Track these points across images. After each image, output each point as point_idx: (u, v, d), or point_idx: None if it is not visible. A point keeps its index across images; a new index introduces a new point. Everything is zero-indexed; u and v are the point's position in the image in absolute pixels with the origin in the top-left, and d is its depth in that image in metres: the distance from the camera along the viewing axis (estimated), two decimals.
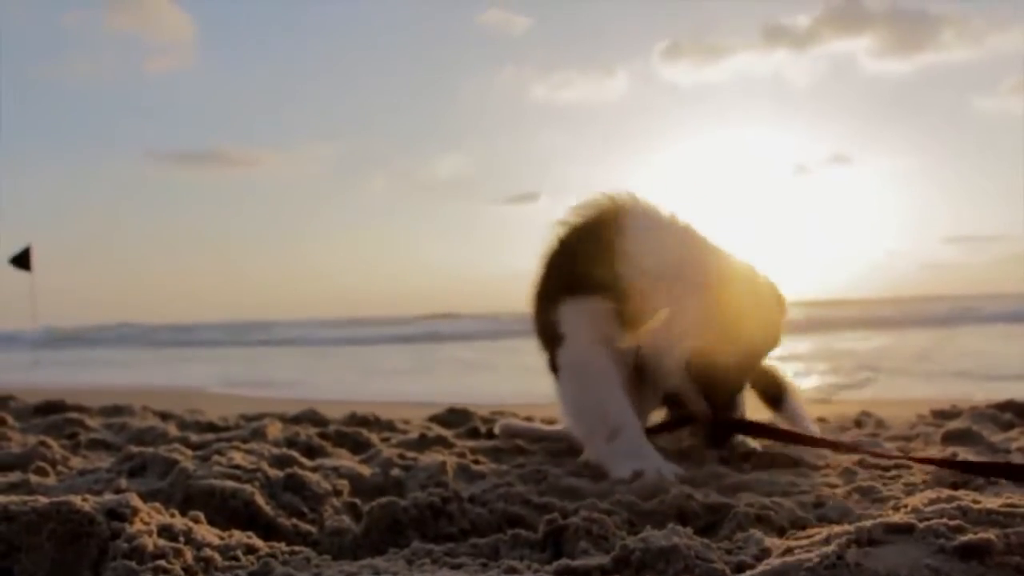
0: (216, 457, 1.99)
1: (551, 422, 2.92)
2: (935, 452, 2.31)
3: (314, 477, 1.89)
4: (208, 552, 1.34)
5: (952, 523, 1.22)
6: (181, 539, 1.35)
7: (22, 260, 11.79)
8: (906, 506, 1.50)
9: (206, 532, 1.44)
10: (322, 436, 2.61)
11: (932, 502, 1.42)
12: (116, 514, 1.35)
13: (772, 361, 2.46)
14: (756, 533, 1.40)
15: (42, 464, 2.16)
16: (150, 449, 2.13)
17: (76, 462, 2.35)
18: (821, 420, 3.34)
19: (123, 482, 1.91)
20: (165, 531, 1.36)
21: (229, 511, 1.69)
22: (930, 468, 2.02)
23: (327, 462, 2.17)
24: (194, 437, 2.73)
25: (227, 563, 1.34)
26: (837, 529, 1.29)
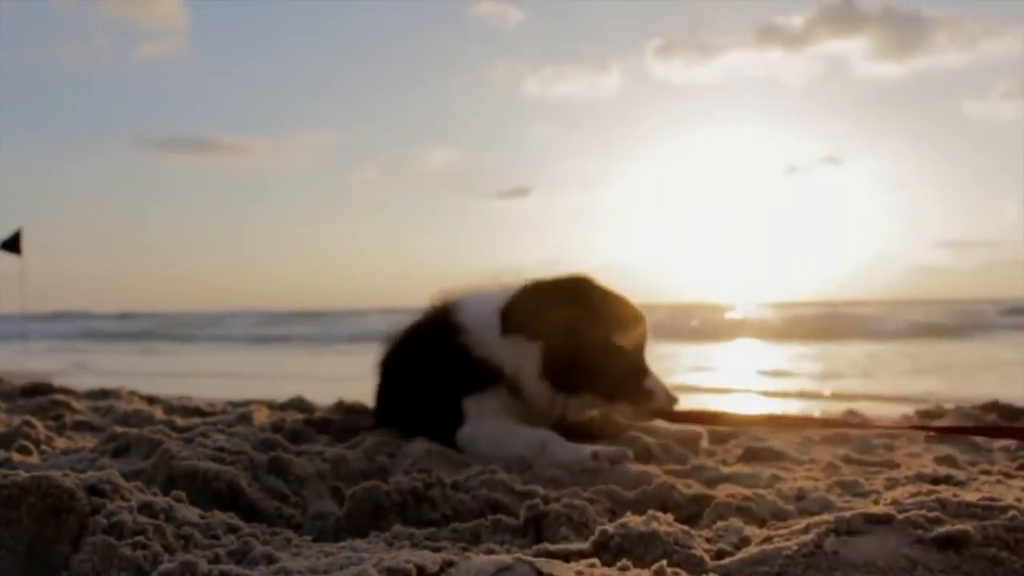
0: (200, 439, 1.98)
1: None
2: (919, 450, 2.32)
3: (298, 461, 1.89)
4: (188, 530, 1.34)
5: (931, 515, 1.23)
6: (161, 517, 1.35)
7: (12, 244, 11.73)
8: (886, 499, 1.51)
9: (187, 511, 1.43)
10: (308, 423, 2.61)
11: (912, 495, 1.43)
12: (97, 490, 1.35)
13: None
14: (736, 522, 1.40)
15: (25, 443, 2.15)
16: (134, 430, 2.13)
17: (60, 442, 2.34)
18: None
19: (106, 462, 1.90)
20: (146, 508, 1.35)
21: (212, 492, 1.69)
22: (913, 464, 2.03)
23: (312, 447, 2.16)
24: (180, 421, 2.72)
25: (207, 541, 1.34)
26: (816, 519, 1.29)
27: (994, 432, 2.00)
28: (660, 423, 2.42)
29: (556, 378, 2.27)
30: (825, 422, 2.35)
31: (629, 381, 2.33)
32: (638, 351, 2.38)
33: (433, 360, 2.44)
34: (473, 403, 2.32)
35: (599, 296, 2.35)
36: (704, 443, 2.39)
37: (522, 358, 2.30)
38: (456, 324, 2.40)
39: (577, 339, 2.27)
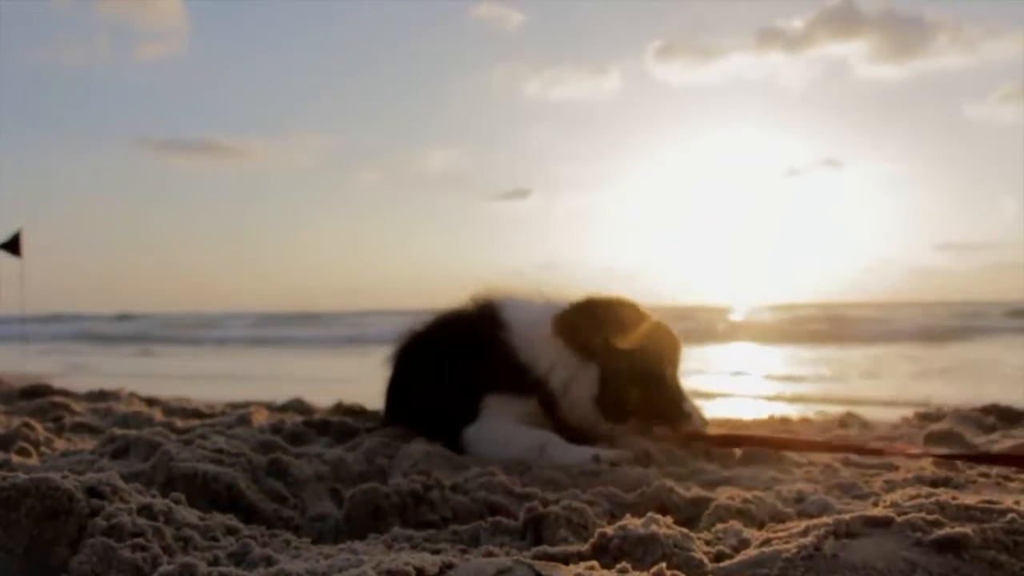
0: (199, 441, 1.98)
1: None
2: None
3: (297, 463, 1.89)
4: (188, 532, 1.34)
5: (930, 517, 1.22)
6: (161, 519, 1.35)
7: (12, 245, 11.71)
8: (886, 501, 1.50)
9: (186, 513, 1.43)
10: (307, 424, 2.61)
11: (911, 498, 1.43)
12: (96, 492, 1.35)
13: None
14: (736, 525, 1.40)
15: (25, 445, 2.15)
16: (133, 432, 2.13)
17: (60, 444, 2.34)
18: (806, 422, 3.35)
19: (106, 463, 1.90)
20: (145, 510, 1.35)
21: (211, 494, 1.69)
22: (912, 467, 2.03)
23: (311, 449, 2.16)
24: (179, 422, 2.72)
25: (207, 543, 1.34)
26: (815, 521, 1.29)
27: (993, 460, 2.00)
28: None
29: (610, 406, 2.28)
30: (857, 448, 2.34)
31: (672, 406, 2.37)
32: (676, 375, 2.42)
33: (465, 351, 2.39)
34: (495, 402, 2.29)
35: (650, 323, 2.36)
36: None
37: (574, 378, 2.29)
38: (500, 321, 2.36)
39: (636, 370, 2.28)
